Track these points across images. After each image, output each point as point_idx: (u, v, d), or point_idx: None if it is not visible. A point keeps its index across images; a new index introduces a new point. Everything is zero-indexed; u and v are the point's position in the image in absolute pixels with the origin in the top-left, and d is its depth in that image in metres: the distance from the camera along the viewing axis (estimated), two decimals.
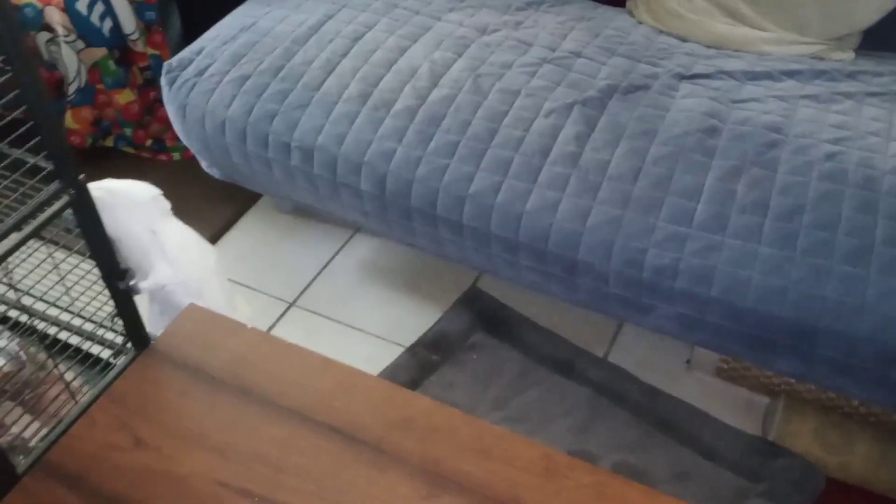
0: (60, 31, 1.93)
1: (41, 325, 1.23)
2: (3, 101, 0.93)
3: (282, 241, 1.99)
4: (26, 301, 1.27)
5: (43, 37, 1.95)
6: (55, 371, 1.24)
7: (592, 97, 1.55)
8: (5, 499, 0.91)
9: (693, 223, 1.35)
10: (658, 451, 1.49)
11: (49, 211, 0.96)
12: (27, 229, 0.96)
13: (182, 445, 0.95)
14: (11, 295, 1.28)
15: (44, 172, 0.98)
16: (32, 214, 0.96)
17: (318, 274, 1.91)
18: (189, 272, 1.21)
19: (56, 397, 1.20)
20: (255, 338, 1.08)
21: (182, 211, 1.22)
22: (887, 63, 1.67)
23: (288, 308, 1.83)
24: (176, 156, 2.19)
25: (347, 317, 1.80)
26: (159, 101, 2.06)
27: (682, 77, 1.61)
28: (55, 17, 1.92)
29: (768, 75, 1.61)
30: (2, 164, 1.08)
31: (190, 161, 2.04)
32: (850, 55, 1.70)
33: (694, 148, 1.44)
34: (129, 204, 1.09)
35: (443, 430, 0.97)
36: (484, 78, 1.61)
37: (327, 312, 1.82)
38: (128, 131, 2.16)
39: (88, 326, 1.22)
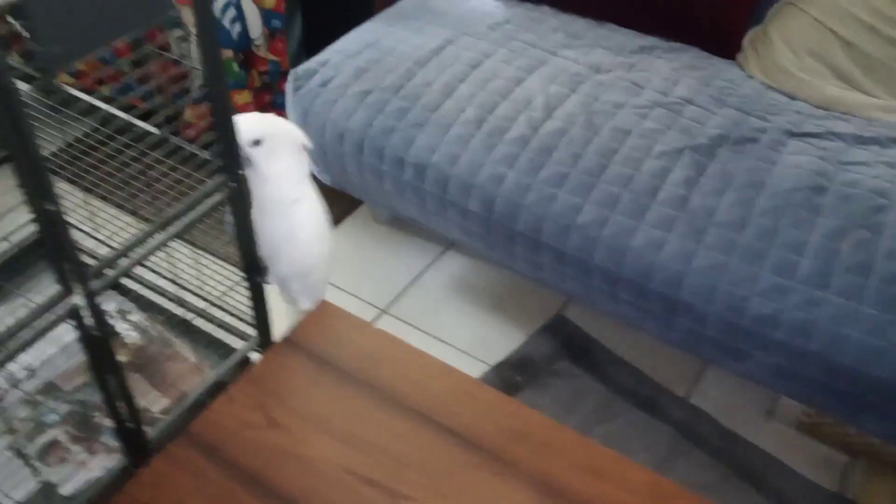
0: (193, 30, 2.05)
1: (178, 310, 1.32)
2: (194, 97, 1.02)
3: (377, 250, 2.07)
4: (165, 285, 1.36)
5: (174, 33, 2.07)
6: (182, 351, 1.32)
7: (702, 144, 1.60)
8: (152, 462, 0.99)
9: (797, 276, 1.39)
10: (735, 496, 1.52)
11: (209, 202, 1.04)
12: (191, 215, 1.04)
13: (311, 430, 1.02)
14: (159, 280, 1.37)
15: (212, 166, 1.06)
16: (192, 205, 1.05)
17: (410, 285, 1.98)
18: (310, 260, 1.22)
19: (182, 376, 1.29)
20: (382, 338, 1.14)
21: None
22: None
23: (380, 315, 1.90)
24: None
25: (435, 329, 1.87)
26: (273, 104, 2.17)
27: (792, 134, 1.65)
28: (190, 17, 2.04)
29: (876, 141, 1.64)
30: (172, 156, 1.17)
31: None
32: None
33: (801, 204, 1.48)
34: (287, 145, 1.10)
35: (556, 446, 1.02)
36: (597, 115, 1.67)
37: (416, 322, 1.88)
38: None
39: (218, 313, 1.31)
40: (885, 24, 1.72)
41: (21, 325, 0.89)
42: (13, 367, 1.22)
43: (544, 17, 2.01)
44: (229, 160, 1.05)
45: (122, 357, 1.29)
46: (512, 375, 1.73)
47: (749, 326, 1.39)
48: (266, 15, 2.13)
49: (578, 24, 1.99)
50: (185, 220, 1.04)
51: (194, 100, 2.15)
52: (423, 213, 1.74)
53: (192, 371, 1.30)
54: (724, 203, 1.49)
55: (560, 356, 1.78)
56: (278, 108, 2.15)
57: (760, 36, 1.89)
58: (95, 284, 0.94)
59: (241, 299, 1.25)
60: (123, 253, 0.98)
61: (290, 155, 1.11)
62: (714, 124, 1.66)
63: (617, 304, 1.55)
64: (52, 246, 0.86)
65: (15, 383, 1.22)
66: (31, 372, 1.26)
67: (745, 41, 1.91)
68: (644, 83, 1.77)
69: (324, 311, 1.16)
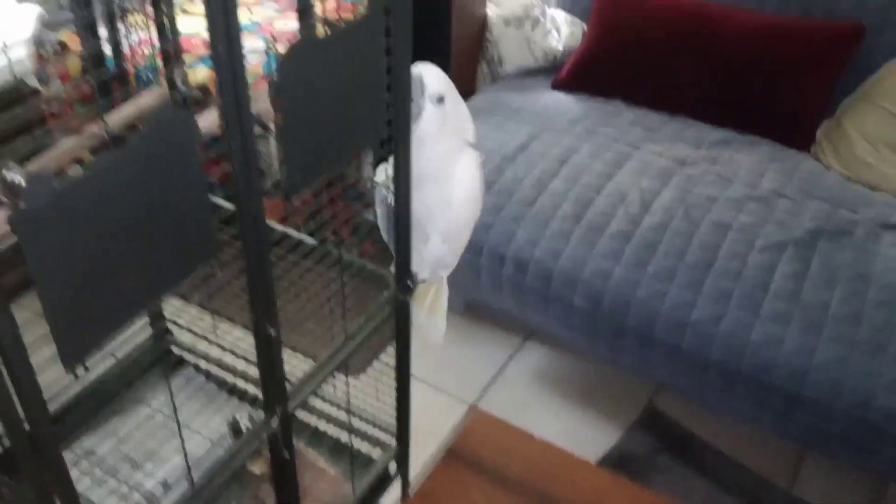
0: (273, 128, 2.07)
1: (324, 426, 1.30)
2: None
3: (455, 341, 2.06)
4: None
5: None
6: (314, 460, 1.30)
7: (802, 238, 1.63)
8: None
9: None
10: None
11: (382, 314, 1.04)
12: (363, 333, 1.04)
13: None
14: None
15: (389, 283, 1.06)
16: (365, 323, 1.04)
17: (495, 377, 1.97)
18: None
19: (318, 487, 1.26)
20: (545, 448, 1.13)
21: None
22: None
23: (469, 409, 1.88)
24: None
25: (528, 424, 1.84)
26: (342, 199, 2.18)
27: (886, 226, 1.68)
28: (271, 115, 2.06)
29: None
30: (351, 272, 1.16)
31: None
32: None
33: None
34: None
35: None
36: (693, 209, 1.70)
37: (506, 417, 1.86)
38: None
39: (363, 426, 1.29)
40: None
41: (231, 456, 0.87)
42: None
43: (618, 111, 2.06)
44: (403, 273, 1.05)
45: (255, 468, 1.27)
46: (617, 472, 1.71)
47: (877, 420, 1.39)
48: None
49: (652, 117, 2.04)
50: (359, 338, 1.03)
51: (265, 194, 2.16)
52: (521, 308, 1.75)
53: (328, 483, 1.27)
54: (836, 297, 1.51)
55: (660, 451, 1.76)
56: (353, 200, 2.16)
57: (835, 128, 1.94)
58: (291, 406, 0.93)
59: (381, 407, 1.24)
60: (313, 374, 0.97)
61: (461, 113, 1.05)
62: (808, 217, 1.69)
63: (732, 400, 1.54)
64: (265, 369, 0.86)
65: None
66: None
67: (819, 134, 1.96)
68: (731, 176, 1.81)
69: (480, 420, 1.15)
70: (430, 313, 1.19)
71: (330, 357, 0.97)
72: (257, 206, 0.72)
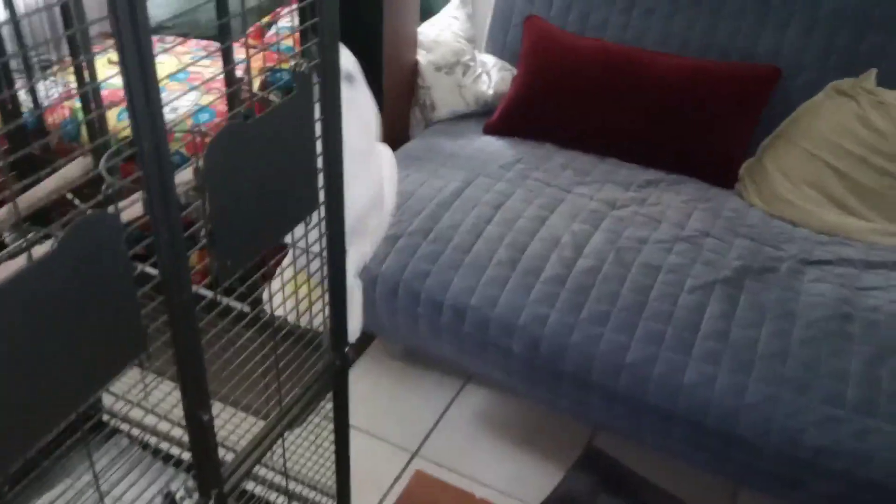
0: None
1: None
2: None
3: (396, 388, 2.05)
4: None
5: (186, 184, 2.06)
6: None
7: (729, 277, 1.68)
8: None
9: (846, 405, 1.45)
10: None
11: (319, 382, 1.03)
12: (303, 401, 1.03)
13: None
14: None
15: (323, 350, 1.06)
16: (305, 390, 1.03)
17: (436, 424, 1.96)
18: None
19: None
20: None
21: None
22: None
23: (411, 458, 1.87)
24: None
25: (470, 469, 1.84)
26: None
27: (807, 262, 1.74)
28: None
29: (884, 265, 1.75)
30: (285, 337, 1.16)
31: None
32: None
33: (834, 332, 1.55)
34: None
35: None
36: (624, 251, 1.73)
37: (449, 464, 1.86)
38: None
39: (302, 489, 1.27)
40: (874, 155, 1.86)
41: None
42: None
43: (549, 154, 2.10)
44: (341, 339, 1.05)
45: None
46: None
47: (807, 458, 1.44)
48: None
49: (583, 160, 2.08)
50: (295, 411, 1.02)
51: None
52: (460, 354, 1.75)
53: None
54: (764, 335, 1.56)
55: (600, 489, 1.78)
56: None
57: (756, 167, 2.01)
58: (227, 487, 0.91)
59: (320, 463, 1.22)
60: (249, 452, 0.95)
61: (367, 102, 1.01)
62: (734, 255, 1.75)
63: (669, 441, 1.57)
64: (198, 453, 0.84)
65: None
66: None
67: (742, 172, 2.04)
68: (660, 217, 1.86)
69: (420, 483, 1.15)
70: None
71: (265, 435, 0.96)
72: (186, 297, 0.71)
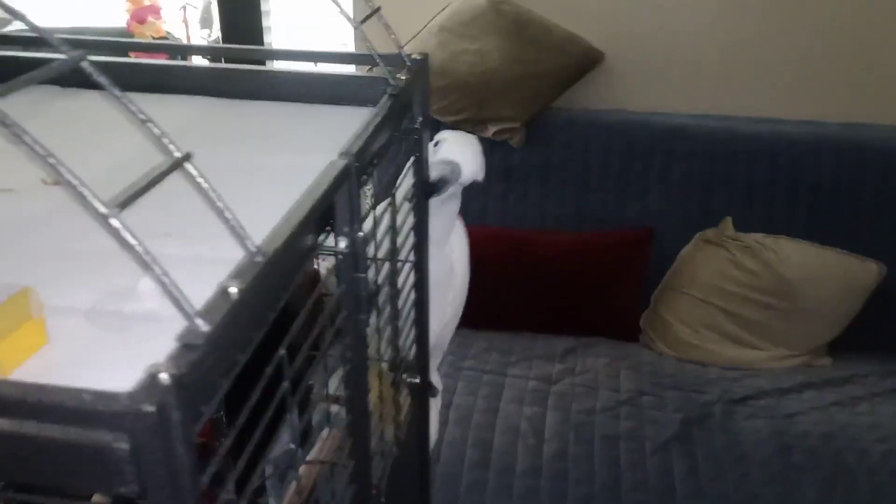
0: None
1: None
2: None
3: None
4: None
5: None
6: None
7: (678, 432, 1.81)
8: None
9: None
10: None
11: None
12: None
13: None
14: None
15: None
16: None
17: None
18: None
19: None
20: None
21: None
22: (861, 364, 2.11)
23: None
24: None
25: None
26: None
27: (733, 401, 1.93)
28: None
29: (792, 389, 1.98)
30: None
31: None
32: (829, 360, 2.13)
33: (786, 467, 1.72)
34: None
35: None
36: (581, 428, 1.82)
37: None
38: None
39: None
40: (752, 292, 2.12)
41: None
42: None
43: (469, 339, 2.18)
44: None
45: None
46: None
47: None
48: None
49: (500, 338, 2.18)
50: None
51: None
52: None
53: None
54: (731, 483, 1.69)
55: None
56: None
57: (655, 318, 2.22)
58: None
59: None
60: None
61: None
62: (672, 409, 1.89)
63: None
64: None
65: None
66: None
67: (643, 324, 2.23)
68: (594, 384, 1.98)
69: None
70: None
71: None
72: None
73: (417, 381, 0.90)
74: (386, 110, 0.67)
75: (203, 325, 0.37)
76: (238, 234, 0.43)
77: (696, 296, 2.17)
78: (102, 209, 0.35)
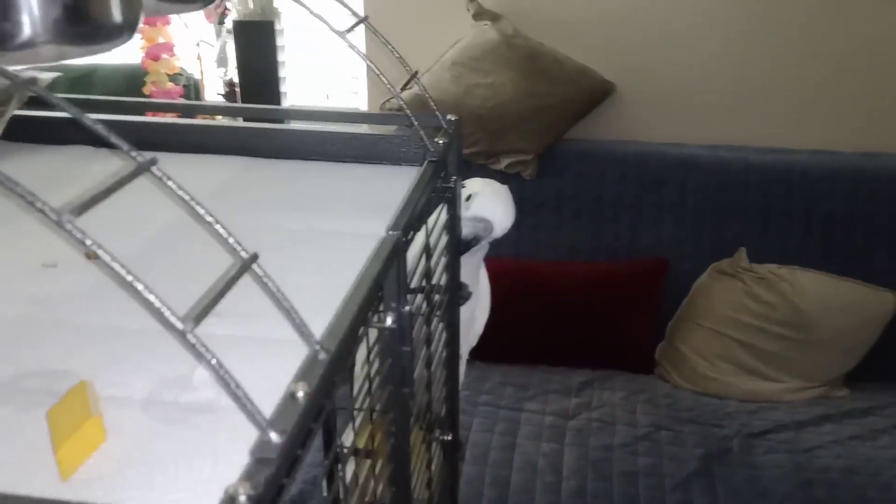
0: None
1: None
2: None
3: None
4: None
5: None
6: None
7: (698, 468, 1.80)
8: None
9: None
10: None
11: None
12: None
13: None
14: None
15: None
16: None
17: None
18: None
19: None
20: None
21: None
22: (880, 395, 2.10)
23: None
24: None
25: None
26: None
27: (752, 435, 1.91)
28: None
29: (809, 422, 1.97)
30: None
31: None
32: (846, 391, 2.12)
33: (811, 501, 1.70)
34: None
35: None
36: (599, 465, 1.81)
37: None
38: None
39: None
40: (769, 324, 2.11)
41: None
42: None
43: (484, 373, 2.17)
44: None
45: None
46: None
47: None
48: None
49: (516, 373, 2.17)
50: None
51: None
52: None
53: None
54: None
55: None
56: None
57: (670, 350, 2.21)
58: None
59: None
60: None
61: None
62: (691, 444, 1.88)
63: None
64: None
65: None
66: None
67: (658, 356, 2.22)
68: (610, 419, 1.97)
69: None
70: None
71: None
72: None
73: (449, 438, 0.89)
74: (428, 177, 0.67)
75: (276, 438, 0.37)
76: (302, 332, 0.42)
77: (712, 327, 2.16)
78: (179, 325, 0.35)
